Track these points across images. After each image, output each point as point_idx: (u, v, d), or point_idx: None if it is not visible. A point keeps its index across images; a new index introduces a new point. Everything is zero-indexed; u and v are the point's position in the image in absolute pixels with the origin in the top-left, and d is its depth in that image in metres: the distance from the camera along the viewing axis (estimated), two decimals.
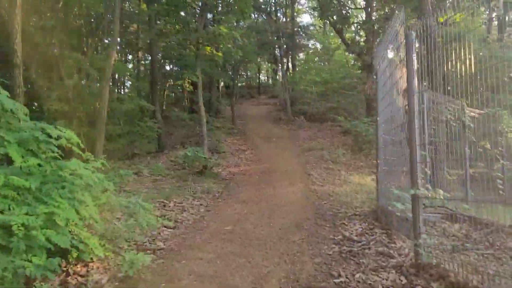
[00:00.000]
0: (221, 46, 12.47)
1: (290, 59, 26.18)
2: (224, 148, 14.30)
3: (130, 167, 11.37)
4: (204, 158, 10.30)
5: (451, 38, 4.42)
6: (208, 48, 10.18)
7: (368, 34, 20.67)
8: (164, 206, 7.65)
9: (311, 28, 32.83)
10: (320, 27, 36.28)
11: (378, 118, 6.74)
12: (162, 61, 20.49)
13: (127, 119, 15.32)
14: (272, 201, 8.05)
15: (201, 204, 7.98)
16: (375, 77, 7.40)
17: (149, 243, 5.00)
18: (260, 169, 11.75)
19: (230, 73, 20.26)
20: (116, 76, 21.35)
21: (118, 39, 12.50)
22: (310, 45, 34.77)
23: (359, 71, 28.35)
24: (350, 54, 23.98)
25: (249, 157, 14.05)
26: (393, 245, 4.75)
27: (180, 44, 12.83)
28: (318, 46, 34.32)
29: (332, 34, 34.94)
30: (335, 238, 5.24)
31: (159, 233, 5.51)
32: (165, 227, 5.89)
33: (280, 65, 26.56)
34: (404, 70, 4.31)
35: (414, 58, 4.11)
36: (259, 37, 20.98)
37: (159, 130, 12.92)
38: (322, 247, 4.85)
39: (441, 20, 5.27)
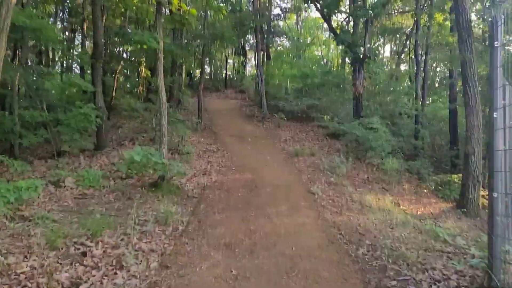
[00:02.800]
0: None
1: (264, 48, 22.83)
2: (188, 148, 10.79)
3: (48, 173, 7.62)
4: (162, 163, 6.81)
5: None
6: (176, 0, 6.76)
7: (362, 23, 17.98)
8: (83, 255, 4.18)
9: (280, 24, 30.06)
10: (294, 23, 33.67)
11: (495, 115, 3.63)
12: (109, 37, 16.47)
13: (60, 104, 11.46)
14: (276, 246, 4.80)
15: (152, 251, 4.57)
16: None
17: None
18: (241, 181, 8.40)
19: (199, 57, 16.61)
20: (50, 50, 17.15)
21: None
22: (281, 41, 32.27)
23: (341, 68, 26.04)
24: (339, 46, 21.09)
25: (222, 161, 10.65)
26: None
27: None
28: (287, 44, 31.70)
29: (306, 29, 32.69)
30: None
31: None
32: None
33: (255, 53, 23.13)
34: None
35: None
36: (233, 16, 17.56)
37: (98, 120, 9.20)
38: None
39: None
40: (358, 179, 10.05)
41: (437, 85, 20.01)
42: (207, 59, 29.48)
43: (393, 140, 11.76)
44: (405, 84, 18.04)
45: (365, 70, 16.26)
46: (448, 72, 21.72)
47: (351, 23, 20.43)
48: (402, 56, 25.92)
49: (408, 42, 24.49)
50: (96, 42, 10.00)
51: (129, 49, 6.27)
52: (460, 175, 11.07)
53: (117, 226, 5.24)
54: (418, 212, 8.42)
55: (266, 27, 21.56)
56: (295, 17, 34.10)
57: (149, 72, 20.06)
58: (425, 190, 10.72)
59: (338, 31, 18.15)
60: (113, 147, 10.61)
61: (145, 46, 6.48)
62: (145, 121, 13.80)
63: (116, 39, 14.50)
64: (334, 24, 20.36)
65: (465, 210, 8.61)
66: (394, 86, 16.87)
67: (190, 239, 5.12)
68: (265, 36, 22.20)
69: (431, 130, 15.36)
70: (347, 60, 27.39)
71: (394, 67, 25.56)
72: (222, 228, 5.45)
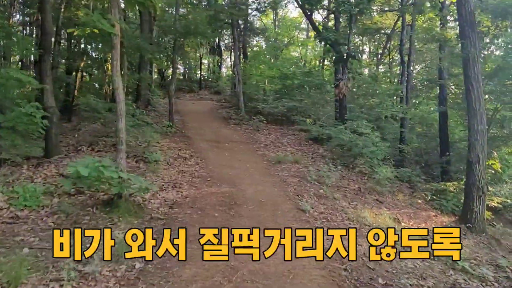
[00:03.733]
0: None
1: (241, 47, 21.56)
2: (156, 156, 9.36)
3: None
4: (118, 178, 5.43)
5: None
6: None
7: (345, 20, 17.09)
8: None
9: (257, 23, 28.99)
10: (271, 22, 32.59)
11: None
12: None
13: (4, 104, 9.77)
14: None
15: None
16: None
17: None
18: (218, 195, 7.08)
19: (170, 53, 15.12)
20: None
21: None
22: (257, 41, 31.22)
23: (320, 69, 25.09)
24: (320, 44, 20.10)
25: (195, 170, 9.30)
26: None
27: None
28: (264, 45, 30.63)
29: (283, 29, 31.61)
30: None
31: None
32: None
33: (231, 52, 21.86)
34: None
35: None
36: (208, 9, 16.19)
37: (45, 122, 7.62)
38: None
39: None
40: (349, 190, 8.95)
41: (419, 86, 19.28)
42: (180, 58, 28.05)
43: (383, 146, 10.74)
44: (389, 86, 17.12)
45: (349, 70, 15.28)
46: (429, 73, 21.36)
47: (332, 22, 19.58)
48: (381, 58, 25.39)
49: (388, 44, 23.98)
50: (45, 29, 8.40)
51: (76, 32, 4.99)
52: (455, 183, 10.20)
53: (49, 267, 3.85)
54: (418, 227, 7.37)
55: (243, 24, 20.30)
56: (272, 16, 33.13)
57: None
58: (419, 201, 9.75)
59: (320, 28, 17.12)
60: (66, 154, 9.04)
61: (96, 31, 5.08)
62: (110, 123, 12.23)
63: (60, 23, 12.88)
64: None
65: (470, 225, 7.63)
66: (379, 88, 15.95)
67: (149, 284, 3.79)
68: (242, 33, 20.95)
69: (418, 134, 14.55)
70: (326, 61, 26.79)
71: (373, 68, 24.96)
72: (194, 266, 4.15)
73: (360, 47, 22.15)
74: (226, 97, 24.37)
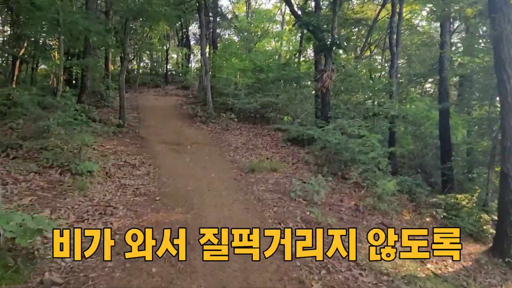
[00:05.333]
0: None
1: (210, 35, 19.18)
2: (90, 165, 6.95)
3: None
4: None
5: None
6: None
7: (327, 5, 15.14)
8: None
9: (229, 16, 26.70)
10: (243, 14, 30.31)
11: None
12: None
13: None
14: None
15: None
16: None
17: None
18: (165, 228, 4.81)
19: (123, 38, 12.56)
20: None
21: None
22: (229, 35, 29.01)
23: (297, 62, 23.04)
24: (296, 38, 18.04)
25: (143, 184, 6.99)
26: None
27: None
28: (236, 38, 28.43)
29: (257, 21, 29.34)
30: None
31: None
32: None
33: (199, 38, 19.39)
34: None
35: None
36: None
37: None
38: None
39: None
40: (345, 209, 6.89)
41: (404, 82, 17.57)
42: (144, 49, 25.37)
43: (383, 151, 8.78)
44: (378, 80, 15.21)
45: (333, 61, 13.29)
46: (412, 67, 19.80)
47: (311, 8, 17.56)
48: (362, 52, 23.70)
49: (369, 37, 22.31)
50: None
51: None
52: (467, 195, 8.35)
53: None
54: (448, 268, 5.40)
55: (212, 9, 17.94)
56: (245, 8, 30.95)
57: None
58: (427, 219, 7.84)
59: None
60: None
61: None
62: (40, 120, 9.65)
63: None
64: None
65: (509, 259, 5.74)
66: (367, 82, 14.03)
67: None
68: (212, 19, 18.58)
69: (412, 135, 12.75)
70: (302, 56, 24.84)
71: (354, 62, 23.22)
72: None
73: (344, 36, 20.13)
74: (194, 92, 21.97)
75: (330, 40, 12.91)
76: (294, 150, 11.27)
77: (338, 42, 12.94)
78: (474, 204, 7.99)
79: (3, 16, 16.29)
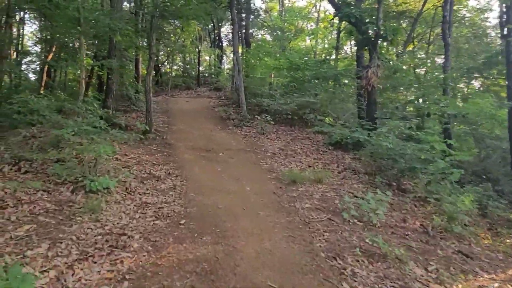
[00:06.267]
0: None
1: (244, 34, 18.16)
2: (106, 181, 6.02)
3: None
4: None
5: None
6: None
7: None
8: None
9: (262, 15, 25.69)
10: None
11: None
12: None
13: None
14: None
15: None
16: None
17: None
18: (187, 271, 3.74)
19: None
20: None
21: None
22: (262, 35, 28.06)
23: (336, 59, 21.57)
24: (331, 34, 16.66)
25: (167, 201, 5.99)
26: None
27: None
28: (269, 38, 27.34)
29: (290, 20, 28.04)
30: None
31: None
32: None
33: (232, 38, 18.41)
34: None
35: None
36: None
37: None
38: None
39: None
40: (411, 233, 5.57)
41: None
42: (178, 51, 24.84)
43: (450, 157, 7.32)
44: (433, 75, 13.52)
45: (378, 56, 11.87)
46: (464, 62, 17.89)
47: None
48: (405, 47, 21.90)
49: (413, 28, 20.52)
50: None
51: None
52: None
53: None
54: None
55: (245, 5, 16.89)
56: (278, 7, 29.81)
57: (90, 61, 15.22)
58: (508, 241, 6.35)
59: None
60: None
61: None
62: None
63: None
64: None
65: None
66: (417, 78, 12.46)
67: None
68: (244, 15, 17.54)
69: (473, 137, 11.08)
70: (344, 52, 23.36)
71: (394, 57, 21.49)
72: None
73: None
74: (226, 94, 21.05)
75: (375, 33, 11.52)
76: (338, 156, 9.98)
77: (385, 35, 11.50)
78: None
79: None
